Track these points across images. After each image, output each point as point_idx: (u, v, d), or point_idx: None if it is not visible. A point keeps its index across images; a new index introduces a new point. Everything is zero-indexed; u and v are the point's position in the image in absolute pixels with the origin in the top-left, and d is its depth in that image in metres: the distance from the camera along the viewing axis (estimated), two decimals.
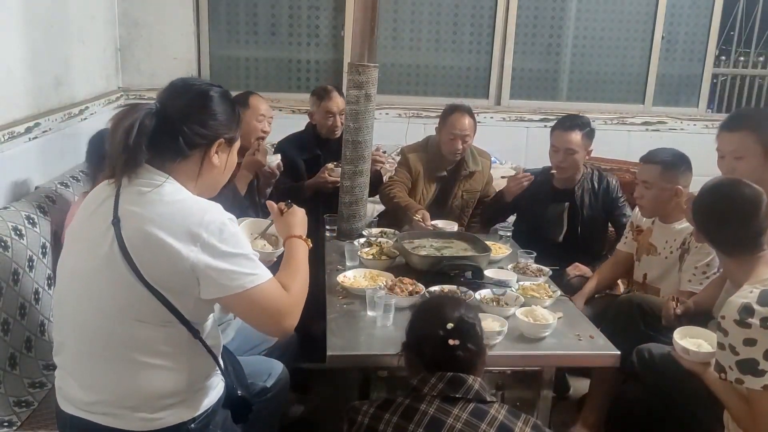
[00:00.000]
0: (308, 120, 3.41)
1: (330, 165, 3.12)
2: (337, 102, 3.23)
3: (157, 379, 1.44)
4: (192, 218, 1.39)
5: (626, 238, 2.84)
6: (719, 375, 1.72)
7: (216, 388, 1.59)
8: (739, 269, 1.84)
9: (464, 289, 2.23)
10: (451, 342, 1.51)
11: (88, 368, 1.47)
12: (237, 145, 1.59)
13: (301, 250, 1.70)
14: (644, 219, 2.72)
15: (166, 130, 1.43)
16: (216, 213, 1.43)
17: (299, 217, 1.79)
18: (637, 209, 2.74)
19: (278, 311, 1.48)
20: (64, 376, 1.51)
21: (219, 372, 1.59)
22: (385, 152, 3.36)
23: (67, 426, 1.51)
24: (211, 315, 1.55)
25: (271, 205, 1.82)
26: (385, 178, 3.41)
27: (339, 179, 2.96)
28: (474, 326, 1.57)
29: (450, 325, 1.52)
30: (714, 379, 1.77)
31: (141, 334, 1.41)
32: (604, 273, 2.83)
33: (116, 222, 1.40)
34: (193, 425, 1.50)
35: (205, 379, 1.54)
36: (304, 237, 1.75)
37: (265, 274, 1.47)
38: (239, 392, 1.62)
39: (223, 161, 1.54)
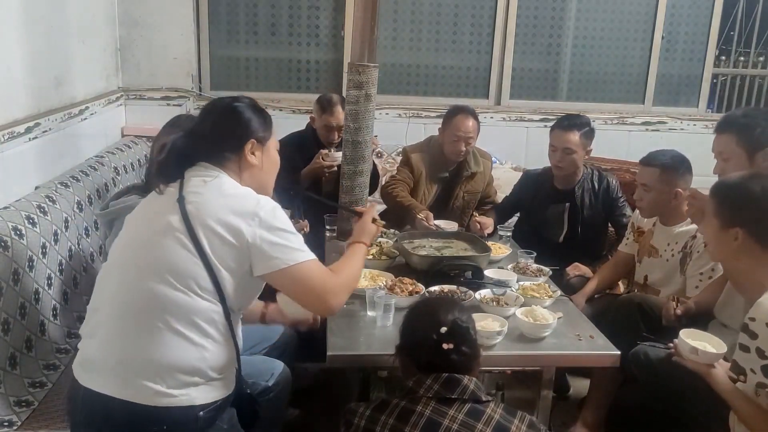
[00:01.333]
0: (309, 120, 3.41)
1: (323, 151, 3.13)
2: (338, 117, 3.22)
3: (183, 350, 1.51)
4: (250, 200, 1.59)
5: (627, 239, 2.83)
6: (737, 377, 1.69)
7: (229, 383, 1.63)
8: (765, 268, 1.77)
9: (464, 289, 2.23)
10: (445, 346, 1.50)
11: (120, 328, 1.53)
12: (272, 143, 1.75)
13: (363, 253, 1.90)
14: (645, 220, 2.71)
15: (203, 143, 1.66)
16: (268, 199, 1.64)
17: (375, 230, 2.01)
18: (637, 211, 2.74)
19: (323, 289, 1.62)
20: (89, 343, 1.58)
21: (235, 370, 1.64)
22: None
23: (78, 406, 1.54)
24: (245, 309, 1.67)
25: (373, 206, 2.07)
26: (386, 177, 3.41)
27: (334, 163, 2.96)
28: (468, 329, 1.56)
29: (443, 329, 1.52)
30: (721, 381, 1.76)
31: (182, 301, 1.51)
32: (605, 274, 2.83)
33: (181, 199, 1.56)
34: (202, 413, 1.53)
35: (223, 370, 1.59)
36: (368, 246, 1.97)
37: (311, 254, 1.63)
38: (248, 390, 1.67)
39: (260, 159, 1.70)
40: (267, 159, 1.73)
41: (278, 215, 1.59)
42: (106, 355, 1.53)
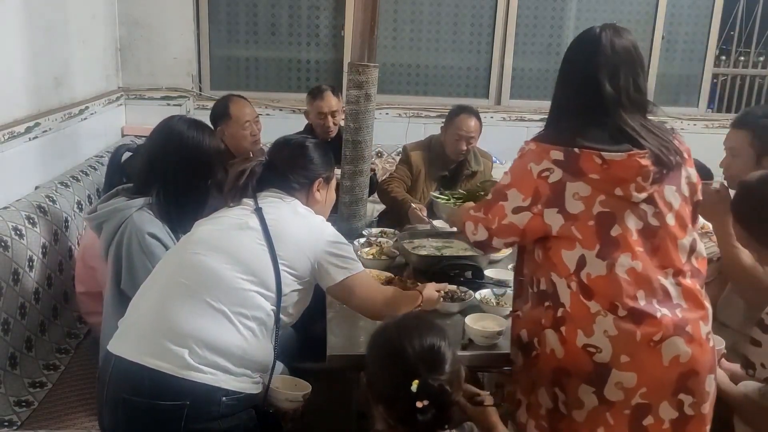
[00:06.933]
0: (305, 119, 3.41)
1: None
2: (330, 103, 3.21)
3: (225, 330, 1.57)
4: (317, 222, 1.79)
5: None
6: (746, 371, 1.69)
7: (255, 387, 1.66)
8: None
9: (464, 289, 2.23)
10: (419, 404, 1.24)
11: (169, 297, 1.60)
12: (333, 183, 1.95)
13: (412, 299, 1.91)
14: None
15: (276, 174, 1.81)
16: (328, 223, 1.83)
17: (434, 299, 2.00)
18: None
19: (375, 298, 1.81)
20: (132, 312, 1.64)
21: (266, 377, 1.69)
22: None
23: (106, 379, 1.56)
24: (289, 320, 1.75)
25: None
26: (386, 176, 3.41)
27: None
28: (442, 387, 1.25)
29: (414, 385, 1.24)
30: (723, 383, 1.76)
31: (241, 288, 1.60)
32: None
33: (258, 210, 1.71)
34: (225, 398, 1.55)
35: (255, 369, 1.64)
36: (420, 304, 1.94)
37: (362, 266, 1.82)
38: (271, 410, 1.72)
39: (324, 196, 1.89)
40: (329, 196, 1.93)
41: (335, 230, 1.79)
42: (146, 322, 1.59)
